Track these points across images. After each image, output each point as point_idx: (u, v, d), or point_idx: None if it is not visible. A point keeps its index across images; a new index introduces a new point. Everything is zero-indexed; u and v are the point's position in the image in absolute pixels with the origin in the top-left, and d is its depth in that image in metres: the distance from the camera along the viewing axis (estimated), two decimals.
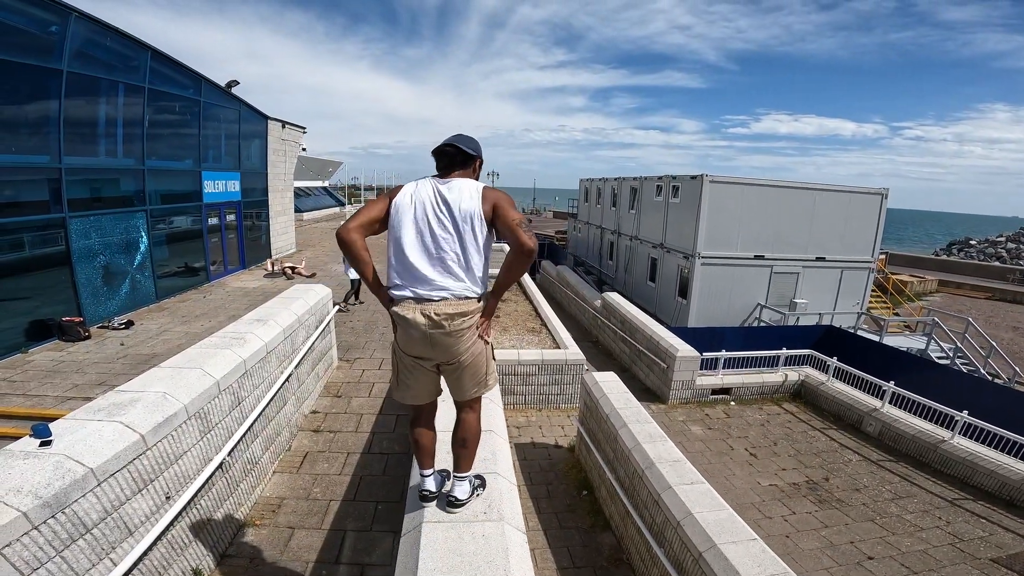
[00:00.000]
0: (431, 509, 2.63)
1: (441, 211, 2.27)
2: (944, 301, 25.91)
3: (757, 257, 15.52)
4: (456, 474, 2.67)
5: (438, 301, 2.23)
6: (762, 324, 15.49)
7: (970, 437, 8.44)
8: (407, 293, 2.27)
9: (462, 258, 2.27)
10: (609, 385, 6.75)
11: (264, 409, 4.65)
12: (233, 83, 15.01)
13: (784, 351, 11.24)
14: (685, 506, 4.31)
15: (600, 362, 12.42)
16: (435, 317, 2.21)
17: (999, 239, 46.52)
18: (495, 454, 3.20)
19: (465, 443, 2.58)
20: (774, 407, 10.73)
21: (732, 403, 10.70)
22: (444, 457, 2.91)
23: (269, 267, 14.96)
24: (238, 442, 4.15)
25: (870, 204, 16.05)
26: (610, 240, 22.60)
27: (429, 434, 2.69)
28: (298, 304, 5.96)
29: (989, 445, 8.20)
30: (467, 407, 2.57)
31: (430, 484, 2.67)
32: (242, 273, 14.79)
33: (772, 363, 11.33)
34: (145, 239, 10.88)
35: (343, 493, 4.86)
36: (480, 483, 2.79)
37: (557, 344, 9.63)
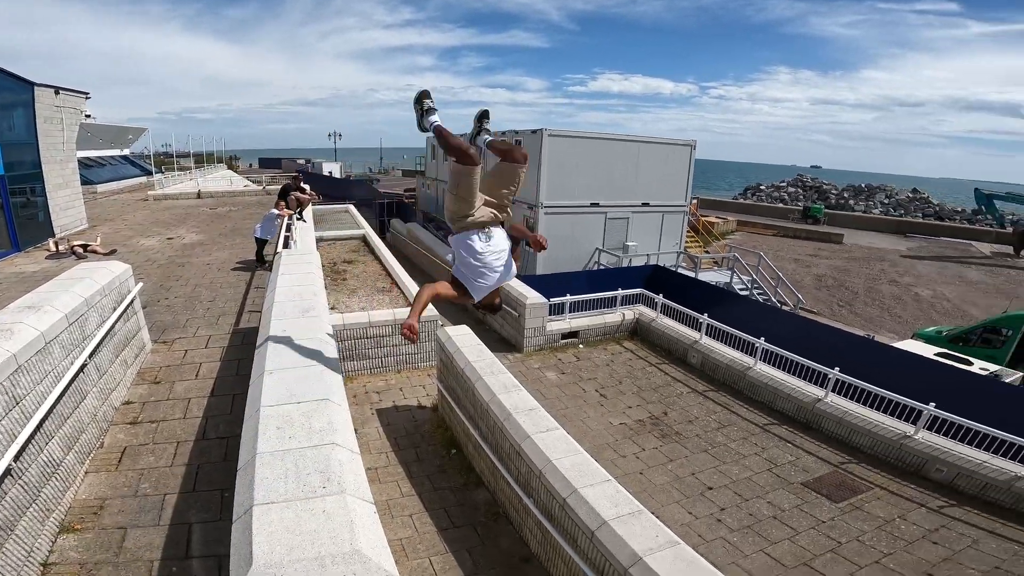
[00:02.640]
0: (261, 490, 2.38)
1: None
2: (742, 239, 30.40)
3: (593, 205, 16.62)
4: None
5: None
6: (601, 267, 16.73)
7: (770, 364, 8.98)
8: None
9: None
10: (463, 339, 6.69)
11: (54, 406, 3.87)
12: None
13: (620, 291, 11.89)
14: (544, 454, 4.40)
15: (456, 316, 12.42)
16: None
17: (782, 184, 55.51)
18: (332, 423, 2.97)
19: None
20: (617, 346, 11.33)
21: (580, 346, 11.20)
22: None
23: (52, 247, 12.39)
24: (24, 446, 3.42)
25: (682, 154, 17.98)
26: None
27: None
28: (83, 285, 4.97)
29: (784, 370, 8.77)
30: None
31: None
32: (16, 257, 12.07)
33: (611, 304, 11.91)
34: None
35: (179, 485, 4.34)
36: None
37: (409, 302, 9.42)
